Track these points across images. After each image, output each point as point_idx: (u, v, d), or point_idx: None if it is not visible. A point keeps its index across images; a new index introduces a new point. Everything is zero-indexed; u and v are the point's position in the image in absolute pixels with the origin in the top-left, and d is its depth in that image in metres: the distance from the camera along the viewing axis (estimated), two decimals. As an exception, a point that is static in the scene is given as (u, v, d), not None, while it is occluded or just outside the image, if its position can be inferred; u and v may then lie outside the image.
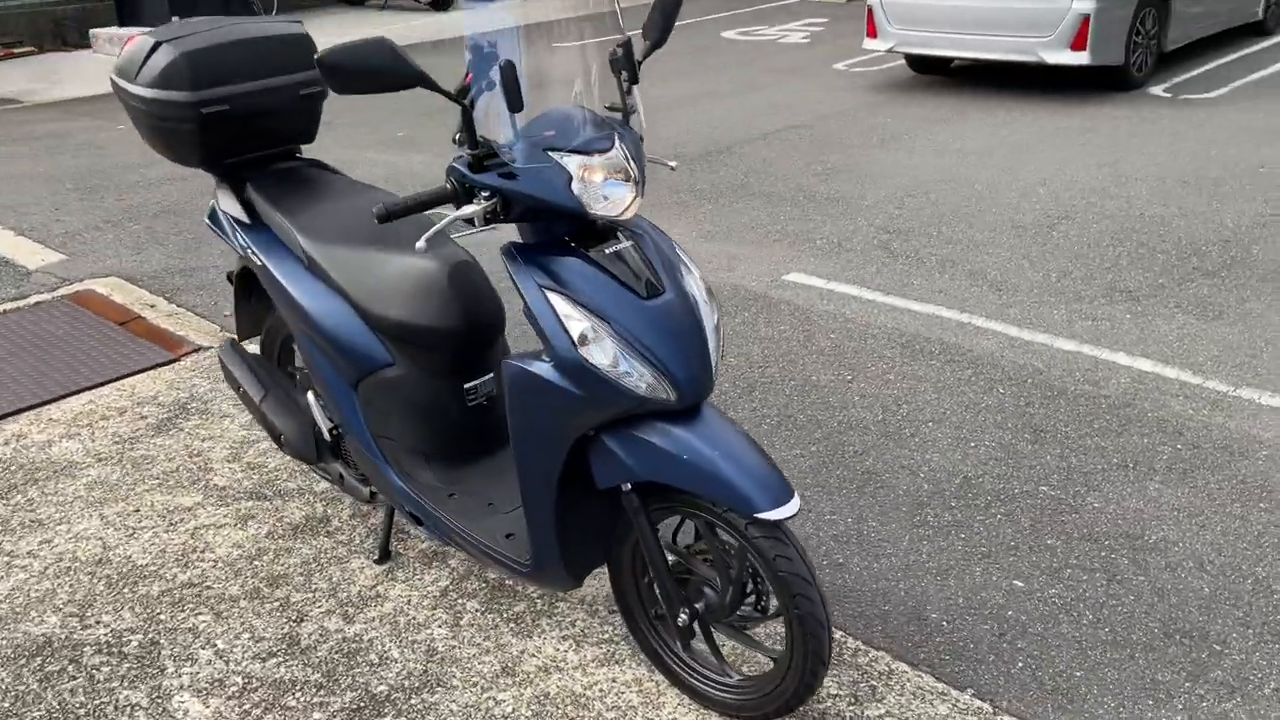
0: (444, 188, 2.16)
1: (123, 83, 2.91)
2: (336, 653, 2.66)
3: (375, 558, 3.02)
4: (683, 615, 2.30)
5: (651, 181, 2.26)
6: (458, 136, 2.16)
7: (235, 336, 3.36)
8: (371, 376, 2.67)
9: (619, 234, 2.23)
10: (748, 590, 2.29)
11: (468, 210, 2.12)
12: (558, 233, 2.20)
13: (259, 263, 2.85)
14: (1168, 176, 6.36)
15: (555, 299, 2.11)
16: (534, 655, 2.62)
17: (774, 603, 2.33)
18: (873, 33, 9.00)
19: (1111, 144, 7.10)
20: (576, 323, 2.09)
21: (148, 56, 2.84)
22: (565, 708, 2.45)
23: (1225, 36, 10.14)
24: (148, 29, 3.12)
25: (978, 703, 2.43)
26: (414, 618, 2.78)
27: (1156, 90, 8.56)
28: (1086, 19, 7.83)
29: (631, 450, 2.16)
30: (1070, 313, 4.58)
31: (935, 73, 9.51)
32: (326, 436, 2.87)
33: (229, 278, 3.29)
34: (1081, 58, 7.94)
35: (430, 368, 2.64)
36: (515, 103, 2.05)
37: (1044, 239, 5.45)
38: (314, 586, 2.92)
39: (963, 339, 4.37)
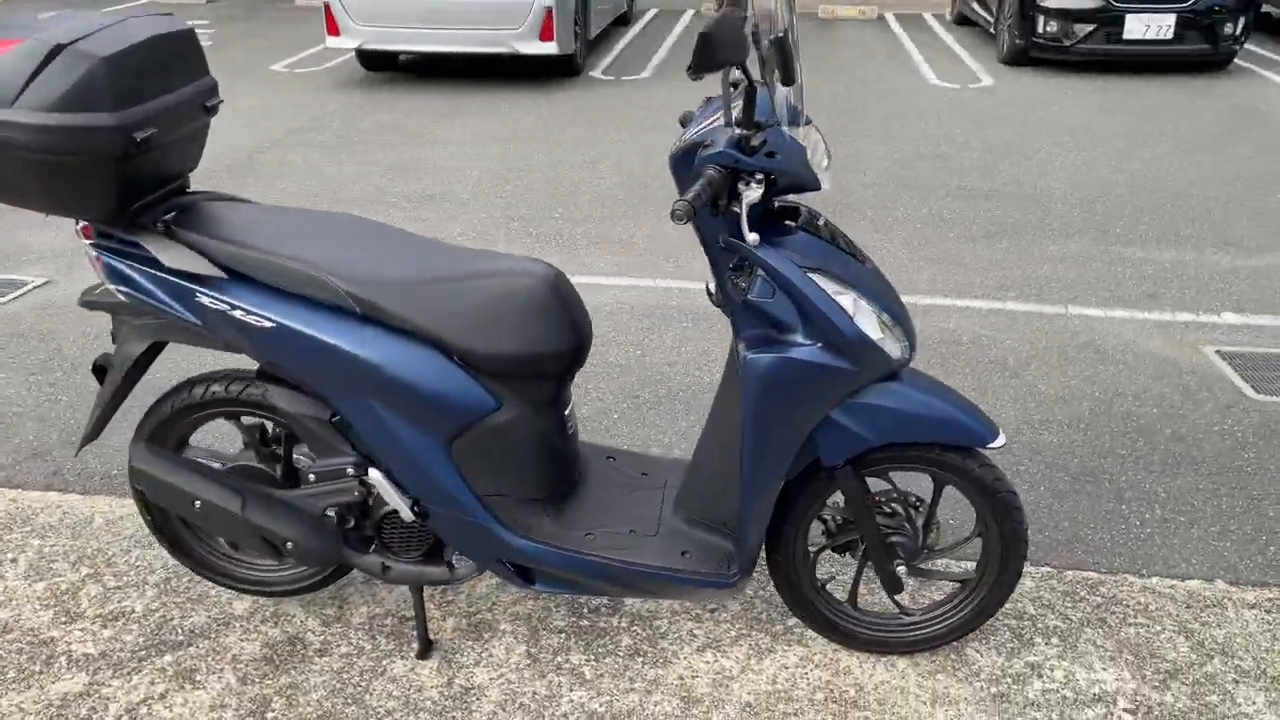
0: (711, 176, 1.94)
1: None
2: (499, 761, 2.22)
3: (416, 651, 2.51)
4: (899, 567, 2.38)
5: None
6: (735, 118, 1.96)
7: (87, 438, 2.47)
8: (474, 428, 2.23)
9: (797, 209, 2.21)
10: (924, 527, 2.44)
11: (753, 195, 1.95)
12: (754, 215, 2.10)
13: (267, 324, 2.17)
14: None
15: (818, 278, 2.05)
16: (695, 675, 2.46)
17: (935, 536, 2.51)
18: (334, 30, 8.73)
19: (611, 121, 7.87)
20: (846, 298, 2.06)
21: (41, 68, 1.99)
22: (777, 707, 2.37)
23: (608, 27, 11.66)
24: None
25: (1043, 569, 2.86)
26: (536, 692, 2.40)
27: (597, 74, 9.59)
28: (550, 10, 8.49)
29: (864, 419, 2.18)
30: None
31: (387, 69, 9.52)
32: (409, 516, 2.31)
33: (96, 369, 2.41)
34: (550, 47, 8.60)
35: (540, 401, 2.29)
36: (789, 75, 1.93)
37: (638, 206, 5.97)
38: (384, 710, 2.35)
39: (680, 301, 4.71)
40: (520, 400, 2.26)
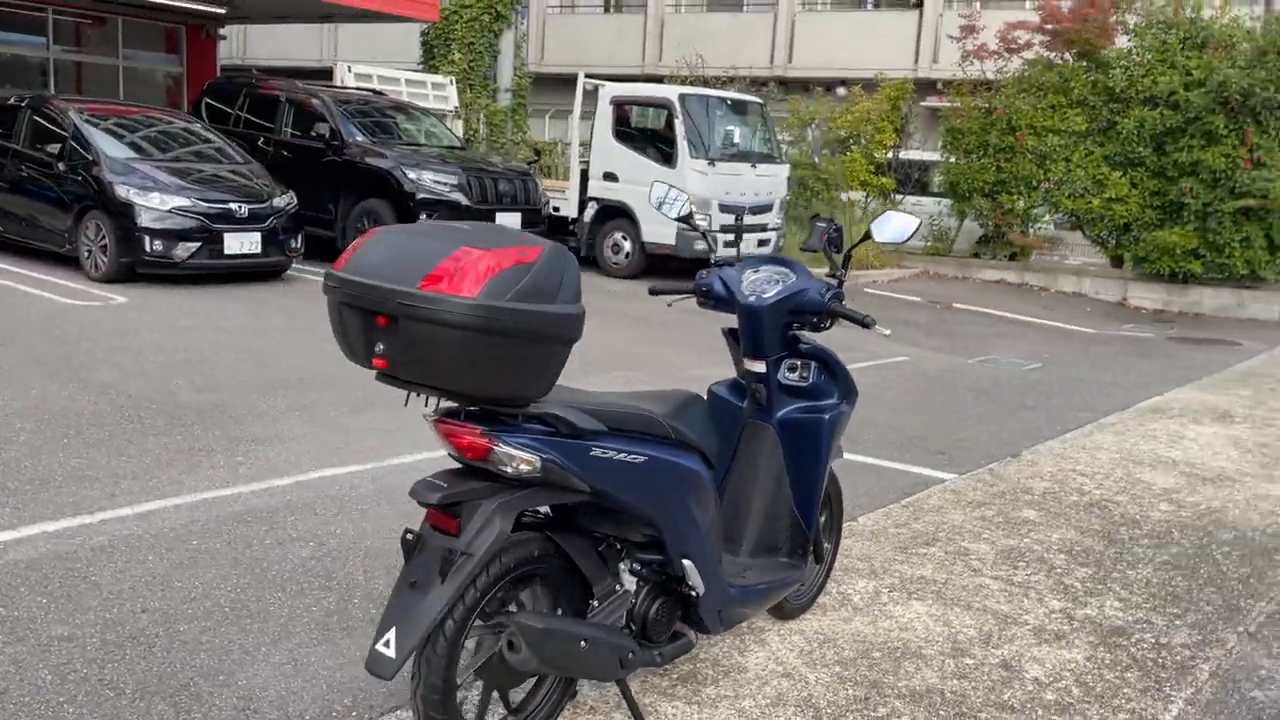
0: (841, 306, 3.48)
1: (545, 307, 2.48)
2: None
3: (637, 730, 3.14)
4: (826, 545, 4.08)
5: None
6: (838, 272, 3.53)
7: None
8: (718, 508, 3.23)
9: None
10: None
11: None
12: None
13: (640, 459, 2.84)
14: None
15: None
16: (790, 649, 3.74)
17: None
18: None
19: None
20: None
21: (566, 267, 2.57)
22: (879, 643, 3.86)
23: None
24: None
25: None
26: (768, 706, 3.42)
27: None
28: None
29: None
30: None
31: None
32: (702, 590, 3.08)
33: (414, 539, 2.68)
34: None
35: None
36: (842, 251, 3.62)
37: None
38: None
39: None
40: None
